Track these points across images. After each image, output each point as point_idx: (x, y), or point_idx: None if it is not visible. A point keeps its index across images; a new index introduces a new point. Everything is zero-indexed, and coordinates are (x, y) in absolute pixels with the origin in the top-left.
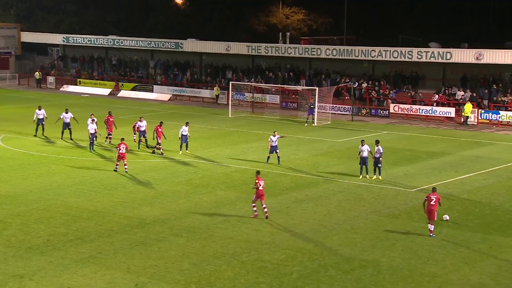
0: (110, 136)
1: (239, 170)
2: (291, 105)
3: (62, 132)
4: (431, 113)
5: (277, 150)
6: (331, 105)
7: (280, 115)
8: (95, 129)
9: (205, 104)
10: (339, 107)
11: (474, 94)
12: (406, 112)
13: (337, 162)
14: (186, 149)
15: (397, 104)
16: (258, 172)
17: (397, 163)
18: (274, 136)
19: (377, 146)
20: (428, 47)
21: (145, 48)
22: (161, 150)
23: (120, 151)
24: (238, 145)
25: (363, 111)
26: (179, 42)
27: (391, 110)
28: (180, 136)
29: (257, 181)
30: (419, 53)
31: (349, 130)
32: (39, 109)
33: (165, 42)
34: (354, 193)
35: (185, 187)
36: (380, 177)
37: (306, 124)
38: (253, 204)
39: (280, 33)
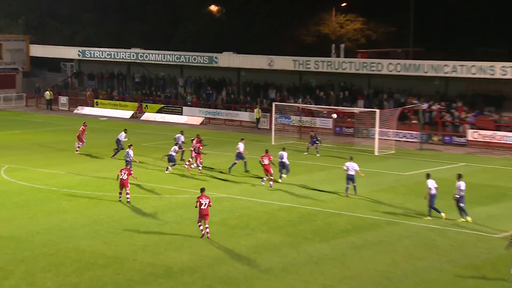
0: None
1: (284, 208)
2: (346, 130)
3: (116, 152)
4: None
5: (354, 181)
6: (394, 130)
7: (333, 142)
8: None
9: (244, 128)
10: (404, 133)
11: None
12: (488, 140)
13: (402, 199)
14: (246, 169)
15: (477, 130)
16: (202, 190)
17: (478, 202)
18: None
19: (458, 181)
20: None
21: (173, 63)
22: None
23: (121, 177)
24: (283, 178)
25: (434, 138)
26: (213, 56)
27: (469, 137)
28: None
29: (198, 200)
30: (503, 68)
31: (417, 161)
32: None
33: (196, 56)
34: (425, 238)
35: (219, 229)
36: (468, 218)
37: (305, 153)
38: (199, 224)
39: (333, 45)
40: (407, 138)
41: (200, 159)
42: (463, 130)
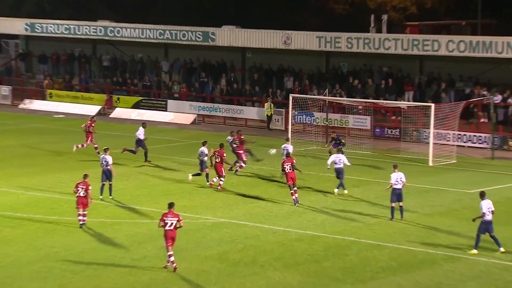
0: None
1: (304, 237)
2: (389, 132)
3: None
4: None
5: (401, 199)
6: (456, 132)
7: (372, 149)
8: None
9: (251, 129)
10: (470, 136)
11: None
12: None
13: (467, 227)
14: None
15: None
16: (170, 205)
17: None
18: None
19: (483, 199)
20: None
21: (155, 41)
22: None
23: (79, 194)
24: (304, 197)
25: (511, 142)
26: (209, 32)
27: None
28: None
29: (163, 218)
30: None
31: (488, 174)
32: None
33: (186, 31)
34: (498, 280)
35: (217, 265)
36: (501, 249)
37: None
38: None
39: (373, 16)
40: (474, 143)
41: (225, 169)
42: None
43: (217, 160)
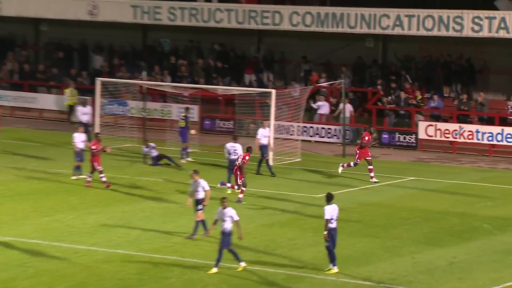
0: None
1: (114, 257)
2: (222, 124)
3: None
4: (502, 140)
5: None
6: (301, 124)
7: (200, 146)
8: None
9: (46, 124)
10: (317, 128)
11: None
12: (452, 138)
13: (312, 238)
14: None
15: (433, 122)
16: None
17: (435, 242)
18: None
19: (328, 203)
20: (495, 8)
21: None
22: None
23: None
24: (116, 207)
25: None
26: None
27: (421, 134)
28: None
29: None
30: (476, 20)
31: (339, 175)
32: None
33: None
34: None
35: None
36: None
37: (181, 164)
38: None
39: None
40: (322, 137)
41: (242, 177)
42: (412, 123)
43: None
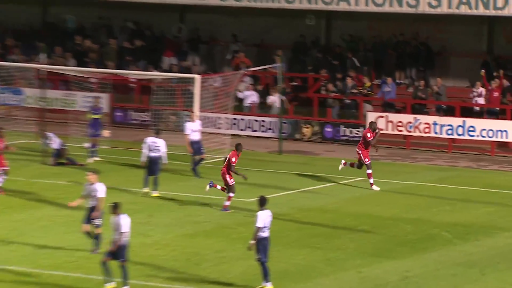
0: None
1: (5, 276)
2: (137, 116)
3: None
4: (463, 134)
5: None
6: (230, 116)
7: (111, 141)
8: None
9: None
10: (249, 121)
11: None
12: (405, 132)
13: (241, 250)
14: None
15: (384, 114)
16: None
17: (386, 253)
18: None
19: (261, 208)
20: None
21: None
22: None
23: None
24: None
25: (305, 129)
26: None
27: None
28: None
29: None
30: None
31: (273, 174)
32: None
33: None
34: None
35: None
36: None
37: (85, 163)
38: None
39: None
40: (255, 131)
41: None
42: (359, 114)
43: None
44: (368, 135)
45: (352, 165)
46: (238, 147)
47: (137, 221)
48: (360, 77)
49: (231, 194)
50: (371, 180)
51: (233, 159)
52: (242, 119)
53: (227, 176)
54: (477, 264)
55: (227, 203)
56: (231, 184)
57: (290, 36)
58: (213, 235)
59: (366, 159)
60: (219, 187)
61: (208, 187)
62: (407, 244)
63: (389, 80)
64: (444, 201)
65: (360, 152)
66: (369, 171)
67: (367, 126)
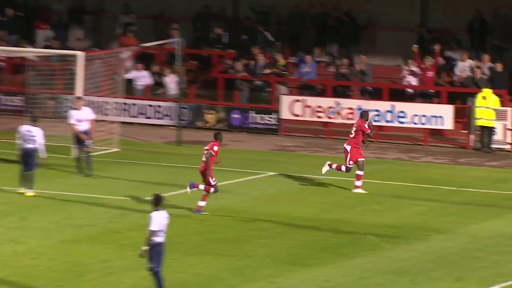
0: None
1: None
2: (8, 101)
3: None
4: (392, 121)
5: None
6: (121, 100)
7: None
8: None
9: None
10: (141, 106)
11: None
12: (326, 119)
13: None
14: None
15: (300, 97)
16: None
17: (302, 259)
18: None
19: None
20: None
21: None
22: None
23: None
24: None
25: (209, 115)
26: None
27: (284, 113)
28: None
29: None
30: None
31: (170, 169)
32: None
33: None
34: None
35: None
36: None
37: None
38: None
39: None
40: (149, 118)
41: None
42: (272, 98)
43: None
44: (366, 126)
45: (339, 168)
46: (217, 137)
47: (7, 225)
48: (273, 55)
49: (212, 190)
50: (358, 183)
51: (215, 148)
52: (134, 104)
53: (208, 173)
54: (408, 272)
55: (202, 203)
56: (213, 183)
57: (192, 7)
58: (98, 241)
59: (351, 162)
60: (202, 186)
61: (189, 189)
62: (327, 250)
63: (308, 58)
64: (371, 199)
65: (349, 150)
66: (345, 171)
67: (358, 116)
